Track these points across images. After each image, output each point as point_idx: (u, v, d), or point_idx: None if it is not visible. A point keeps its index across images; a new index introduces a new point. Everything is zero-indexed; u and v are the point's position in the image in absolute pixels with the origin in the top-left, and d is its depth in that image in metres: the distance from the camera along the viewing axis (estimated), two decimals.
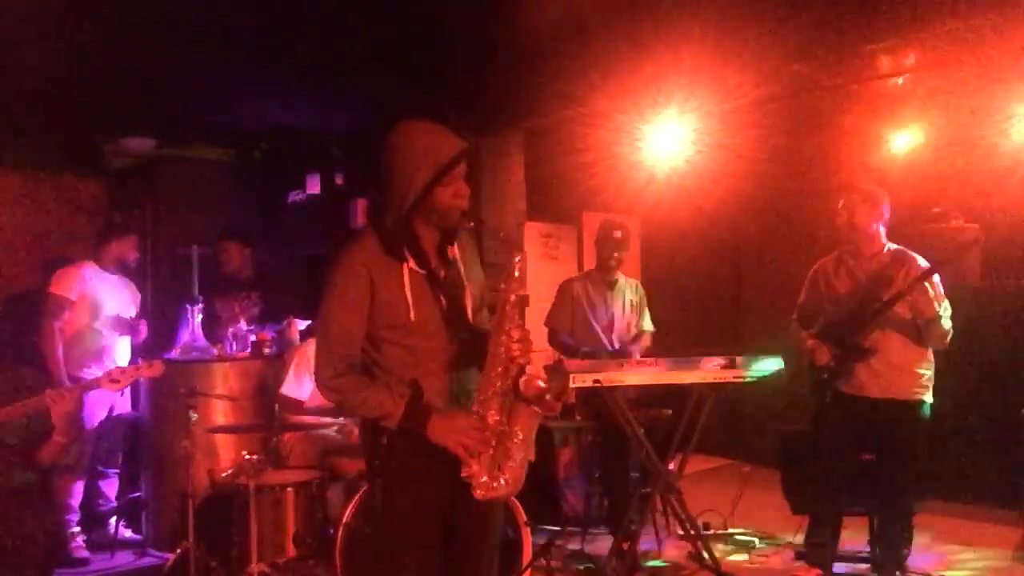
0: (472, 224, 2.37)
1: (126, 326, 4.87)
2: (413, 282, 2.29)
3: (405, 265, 2.29)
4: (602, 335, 4.74)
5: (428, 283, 2.33)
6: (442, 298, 2.34)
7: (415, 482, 2.31)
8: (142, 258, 5.29)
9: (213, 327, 5.12)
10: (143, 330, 4.94)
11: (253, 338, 5.02)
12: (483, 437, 2.22)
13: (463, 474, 2.23)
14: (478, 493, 2.24)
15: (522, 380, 2.26)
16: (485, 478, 2.24)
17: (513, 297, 2.26)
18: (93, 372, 4.64)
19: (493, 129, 5.67)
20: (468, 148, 2.32)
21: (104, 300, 4.78)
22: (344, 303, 2.28)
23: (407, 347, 2.31)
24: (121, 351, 4.91)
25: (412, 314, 2.27)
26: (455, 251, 2.41)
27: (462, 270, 2.42)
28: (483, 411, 2.24)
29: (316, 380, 2.36)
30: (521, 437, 2.26)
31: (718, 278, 7.30)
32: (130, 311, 4.94)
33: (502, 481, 2.25)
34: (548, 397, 2.26)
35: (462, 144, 2.31)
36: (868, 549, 4.12)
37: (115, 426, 4.90)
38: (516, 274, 2.28)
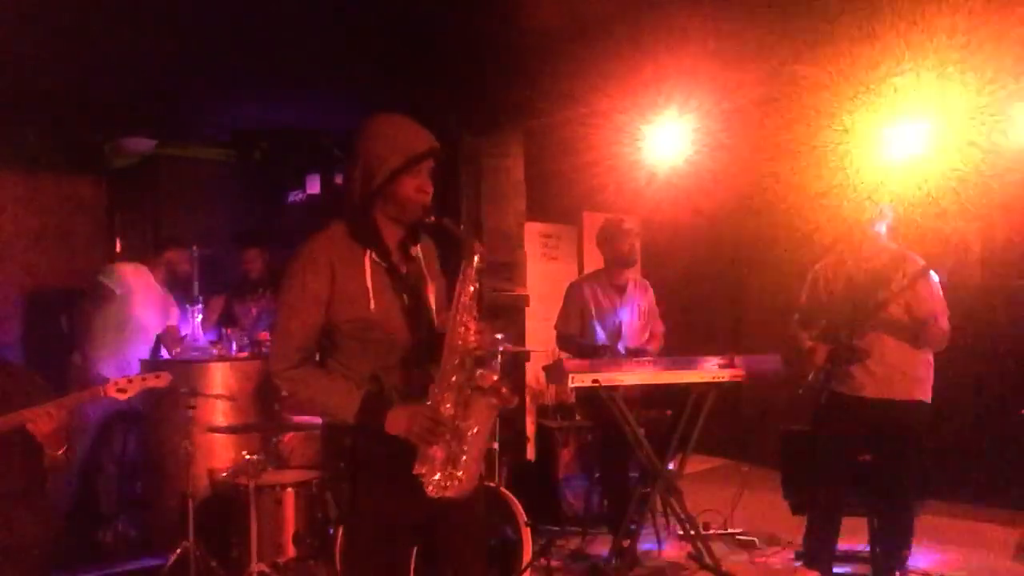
0: (433, 219, 2.31)
1: (166, 339, 4.80)
2: (374, 273, 2.26)
3: (367, 255, 2.26)
4: (607, 342, 4.58)
5: (389, 276, 2.30)
6: (403, 293, 2.31)
7: (381, 485, 2.24)
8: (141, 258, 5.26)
9: (230, 328, 5.10)
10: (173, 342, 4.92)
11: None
12: (438, 428, 2.17)
13: (415, 471, 2.17)
14: (430, 490, 2.18)
15: (478, 372, 2.22)
16: (438, 475, 2.19)
17: (471, 288, 2.24)
18: (110, 371, 4.63)
19: (493, 129, 5.67)
20: (439, 147, 2.32)
21: (144, 306, 4.73)
22: (304, 295, 2.23)
23: (366, 341, 2.26)
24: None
25: (372, 304, 2.23)
26: (418, 250, 2.39)
27: (424, 268, 2.40)
28: (437, 403, 2.19)
29: (270, 371, 2.29)
30: (476, 431, 2.21)
31: (718, 278, 7.29)
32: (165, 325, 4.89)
33: (455, 479, 2.20)
34: (504, 390, 2.22)
35: (434, 141, 2.32)
36: (868, 549, 4.11)
37: (113, 426, 4.88)
38: (475, 265, 2.26)
